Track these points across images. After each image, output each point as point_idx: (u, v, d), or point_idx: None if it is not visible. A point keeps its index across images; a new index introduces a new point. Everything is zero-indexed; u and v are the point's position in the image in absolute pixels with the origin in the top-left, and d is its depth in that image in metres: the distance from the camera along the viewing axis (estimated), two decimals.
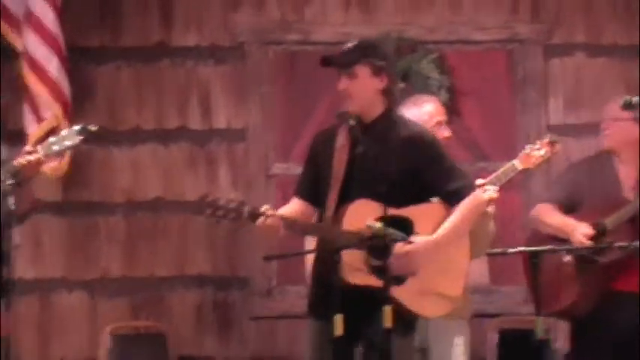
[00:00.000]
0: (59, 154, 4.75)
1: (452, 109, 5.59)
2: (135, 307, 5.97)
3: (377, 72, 4.48)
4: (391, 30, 6.03)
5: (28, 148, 4.57)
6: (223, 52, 6.07)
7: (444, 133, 4.98)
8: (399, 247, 4.30)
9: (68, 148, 4.68)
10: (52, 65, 5.54)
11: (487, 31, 6.08)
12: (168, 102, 6.07)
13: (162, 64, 6.08)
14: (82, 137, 4.69)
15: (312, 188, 4.49)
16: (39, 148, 4.60)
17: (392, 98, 4.54)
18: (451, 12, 6.13)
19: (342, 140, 4.48)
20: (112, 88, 6.06)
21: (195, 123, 6.06)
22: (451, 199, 4.47)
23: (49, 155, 4.61)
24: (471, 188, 4.50)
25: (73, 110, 5.68)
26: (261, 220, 4.26)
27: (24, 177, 4.51)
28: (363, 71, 4.46)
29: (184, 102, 6.07)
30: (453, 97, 5.84)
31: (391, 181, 4.42)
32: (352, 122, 4.45)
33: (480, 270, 5.77)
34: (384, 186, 4.41)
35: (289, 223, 4.34)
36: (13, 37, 5.59)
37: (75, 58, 5.78)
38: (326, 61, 4.57)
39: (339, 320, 4.37)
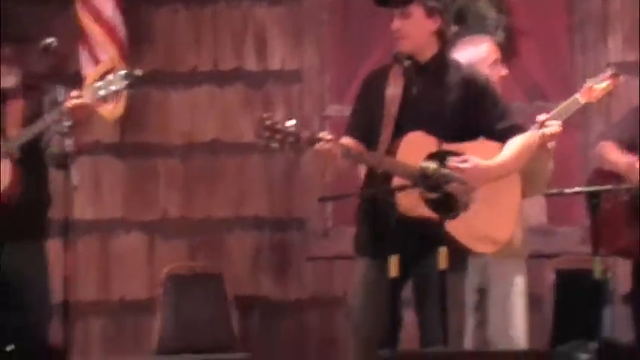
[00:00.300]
0: (106, 98, 4.76)
1: (509, 49, 5.60)
2: (192, 248, 6.02)
3: (431, 12, 4.48)
4: None
5: (74, 92, 4.60)
6: None
7: (501, 72, 5.01)
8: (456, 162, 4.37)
9: (114, 92, 4.72)
10: (108, 6, 5.59)
11: None
12: (224, 44, 6.09)
13: (218, 6, 6.09)
14: (127, 82, 4.74)
15: (363, 127, 4.50)
16: (85, 92, 4.63)
17: (445, 40, 4.54)
18: None
19: (394, 80, 4.49)
20: (169, 30, 6.09)
21: (251, 64, 6.08)
22: (502, 137, 4.49)
23: (96, 99, 4.64)
24: (521, 129, 4.53)
25: (130, 52, 5.72)
26: (319, 144, 4.25)
27: (73, 120, 4.55)
28: (417, 11, 4.47)
29: (240, 44, 6.09)
30: (510, 36, 5.84)
31: (445, 120, 4.46)
32: (407, 63, 4.45)
33: (537, 209, 5.73)
34: (437, 124, 4.43)
35: (346, 149, 4.33)
36: None
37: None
38: (380, 0, 4.56)
39: (394, 261, 4.38)
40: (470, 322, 4.91)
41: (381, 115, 4.44)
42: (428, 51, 4.47)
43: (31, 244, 4.81)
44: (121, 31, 5.65)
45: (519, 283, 4.95)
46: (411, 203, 4.35)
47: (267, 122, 4.26)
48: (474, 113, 4.51)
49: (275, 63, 6.07)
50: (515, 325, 4.93)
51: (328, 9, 6.05)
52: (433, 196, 4.37)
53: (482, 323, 4.96)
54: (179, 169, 6.05)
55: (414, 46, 4.46)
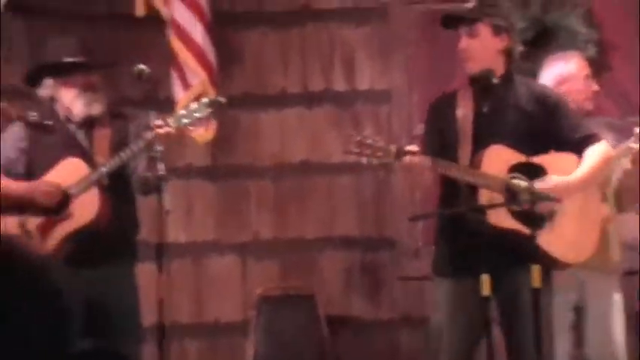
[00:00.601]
0: (195, 123, 4.84)
1: (600, 64, 5.56)
2: (284, 268, 6.05)
3: (498, 31, 4.51)
4: None
5: (158, 121, 4.65)
6: (366, 13, 6.08)
7: (592, 87, 5.00)
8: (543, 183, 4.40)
9: (198, 119, 4.81)
10: (197, 31, 5.62)
11: None
12: (313, 65, 6.14)
13: (306, 29, 6.12)
14: (211, 109, 4.79)
15: (437, 148, 4.50)
16: (169, 120, 4.68)
17: (513, 58, 4.56)
18: None
19: (463, 102, 4.55)
20: (258, 54, 6.12)
21: (339, 85, 6.10)
22: (578, 147, 4.51)
23: (181, 127, 4.71)
24: (596, 138, 4.54)
25: (220, 76, 5.77)
26: (407, 157, 4.28)
27: (154, 148, 4.61)
28: (484, 30, 4.51)
29: (328, 65, 6.12)
30: (601, 51, 5.77)
31: (520, 134, 4.50)
32: (477, 84, 4.53)
33: (631, 225, 5.66)
34: (513, 139, 4.47)
35: (434, 161, 4.35)
36: (160, 5, 5.65)
37: (221, 24, 5.83)
38: (447, 20, 4.58)
39: (486, 279, 4.37)
40: (565, 342, 4.89)
41: (456, 135, 4.47)
42: (496, 70, 4.49)
43: (121, 269, 4.84)
44: (211, 55, 5.69)
45: (617, 300, 4.92)
46: (500, 216, 4.36)
47: (357, 138, 4.29)
48: (548, 126, 4.53)
49: (363, 83, 6.08)
50: (616, 342, 4.89)
51: (415, 28, 6.03)
52: (519, 208, 4.37)
53: (579, 342, 4.93)
54: (270, 190, 6.10)
55: (482, 66, 4.48)
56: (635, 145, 4.83)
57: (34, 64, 5.03)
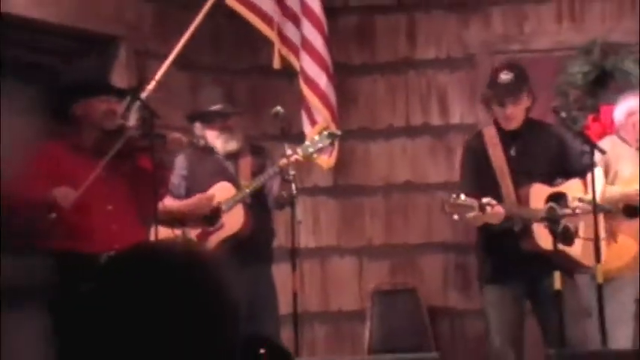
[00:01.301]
0: (319, 152, 4.95)
1: None
2: (393, 268, 6.01)
3: (530, 93, 4.73)
4: (597, 36, 5.83)
5: (288, 151, 4.74)
6: (457, 62, 6.05)
7: None
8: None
9: (320, 149, 4.92)
10: (322, 80, 5.58)
11: None
12: (414, 104, 6.09)
13: (409, 75, 6.10)
14: (330, 140, 4.90)
15: (478, 185, 4.64)
16: (299, 150, 4.77)
17: (530, 108, 4.79)
18: None
19: (492, 145, 4.71)
20: (370, 95, 6.11)
21: (435, 120, 6.06)
22: (583, 174, 4.66)
23: (307, 155, 4.82)
24: (593, 165, 4.66)
25: (340, 114, 5.74)
26: (488, 208, 4.42)
27: (287, 172, 4.73)
28: (524, 97, 4.70)
29: (426, 103, 6.08)
30: None
31: (544, 169, 4.67)
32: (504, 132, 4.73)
33: None
34: (540, 174, 4.65)
35: (505, 207, 4.52)
36: (293, 60, 5.61)
37: (340, 73, 5.84)
38: (500, 92, 4.70)
39: (557, 276, 4.44)
40: (631, 327, 4.88)
41: (492, 172, 4.62)
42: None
43: (261, 267, 4.94)
44: (333, 98, 5.65)
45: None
46: (543, 238, 4.55)
47: (450, 201, 4.41)
48: (560, 160, 4.72)
49: (455, 118, 6.02)
50: None
51: None
52: (558, 229, 4.52)
53: None
54: (380, 204, 6.06)
55: (519, 122, 4.70)
56: None
57: (189, 112, 5.13)
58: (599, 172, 4.69)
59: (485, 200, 4.44)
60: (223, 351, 1.29)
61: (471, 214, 4.42)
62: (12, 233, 4.11)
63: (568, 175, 4.76)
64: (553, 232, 4.50)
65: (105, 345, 1.26)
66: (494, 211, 4.45)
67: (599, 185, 4.61)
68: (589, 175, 4.62)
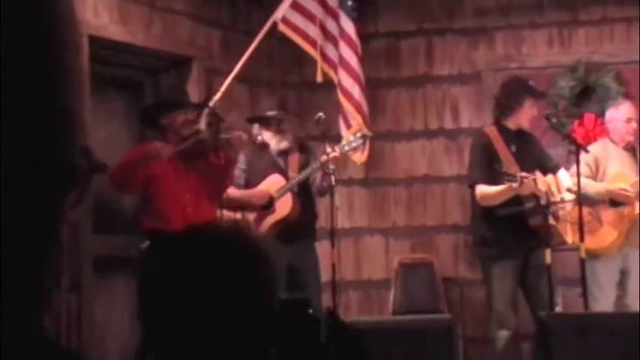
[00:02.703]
0: (352, 150, 4.94)
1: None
2: (414, 245, 5.99)
3: None
4: (582, 57, 5.82)
5: (328, 149, 4.76)
6: (467, 77, 6.01)
7: (633, 125, 4.96)
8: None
9: (354, 148, 4.91)
10: (356, 91, 5.57)
11: None
12: (431, 111, 6.05)
13: (427, 88, 6.06)
14: (362, 140, 4.90)
15: (488, 174, 4.61)
16: (337, 148, 4.77)
17: None
18: (625, 42, 5.86)
19: (497, 141, 4.68)
20: (395, 104, 6.08)
21: (449, 124, 6.03)
22: (554, 170, 4.72)
23: (344, 152, 4.82)
24: (560, 164, 4.81)
25: (370, 119, 5.73)
26: (525, 180, 4.40)
27: (334, 164, 4.74)
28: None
29: (441, 111, 6.04)
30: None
31: (534, 164, 4.68)
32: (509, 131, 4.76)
33: None
34: (533, 167, 4.64)
35: (534, 182, 4.51)
36: (332, 75, 5.61)
37: (371, 85, 5.82)
38: (537, 94, 4.80)
39: (548, 252, 4.43)
40: (613, 294, 4.86)
41: (501, 162, 4.54)
42: None
43: (306, 244, 4.96)
44: (365, 106, 5.64)
45: None
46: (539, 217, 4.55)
47: (502, 169, 4.39)
48: (541, 158, 4.74)
49: (465, 123, 5.98)
50: None
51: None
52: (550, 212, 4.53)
53: (622, 294, 4.89)
54: (403, 194, 6.02)
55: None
56: None
57: (250, 116, 5.19)
58: (564, 173, 4.76)
59: (522, 173, 4.44)
60: (266, 310, 1.29)
61: (514, 184, 4.39)
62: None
63: (545, 170, 4.79)
64: (553, 213, 4.57)
65: (169, 304, 1.27)
66: (528, 182, 4.42)
67: (567, 181, 4.67)
68: (559, 173, 4.73)
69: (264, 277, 1.30)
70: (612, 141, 5.05)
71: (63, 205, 0.79)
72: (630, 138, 5.02)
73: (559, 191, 4.72)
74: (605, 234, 4.84)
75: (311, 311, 1.41)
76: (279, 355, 1.37)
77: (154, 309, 1.28)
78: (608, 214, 4.87)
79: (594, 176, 4.91)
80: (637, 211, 4.84)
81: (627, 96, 5.64)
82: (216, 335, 1.25)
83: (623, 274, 4.87)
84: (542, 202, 4.58)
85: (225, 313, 1.26)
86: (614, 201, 4.85)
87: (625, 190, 4.81)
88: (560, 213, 4.70)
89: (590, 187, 4.74)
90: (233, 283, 1.28)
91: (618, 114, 5.03)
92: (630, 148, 5.06)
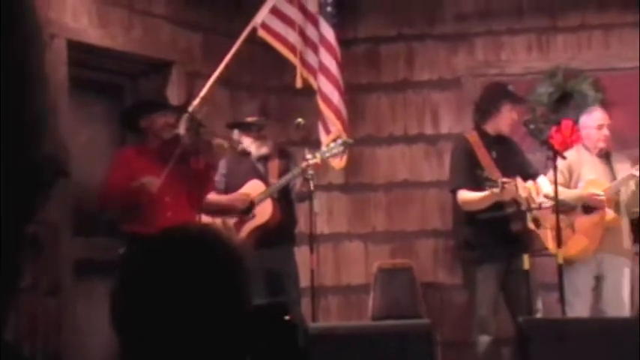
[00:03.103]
0: (333, 156, 4.93)
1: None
2: (393, 250, 5.98)
3: None
4: (560, 63, 5.85)
5: (308, 155, 4.75)
6: (447, 83, 6.02)
7: (604, 132, 5.00)
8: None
9: (335, 154, 4.89)
10: (335, 97, 5.54)
11: (629, 61, 5.77)
12: (411, 117, 6.04)
13: (407, 93, 6.06)
14: (342, 147, 4.90)
15: (469, 179, 4.61)
16: (317, 154, 4.75)
17: None
18: (603, 48, 5.92)
19: (477, 147, 4.69)
20: (375, 110, 6.08)
21: (428, 130, 6.03)
22: (534, 177, 4.75)
23: (324, 159, 4.81)
24: (539, 171, 4.83)
25: (350, 125, 5.71)
26: (507, 186, 4.41)
27: (313, 170, 4.73)
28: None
29: (421, 116, 6.04)
30: (604, 107, 5.65)
31: (514, 170, 4.66)
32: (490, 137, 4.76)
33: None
34: (517, 171, 4.64)
35: (516, 187, 4.53)
36: (312, 80, 5.55)
37: (350, 91, 5.80)
38: (517, 100, 4.84)
39: (526, 258, 4.45)
40: (589, 299, 4.89)
41: (482, 168, 4.55)
42: None
43: (286, 249, 4.96)
44: (344, 111, 5.59)
45: (626, 273, 4.90)
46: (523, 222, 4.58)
47: (484, 175, 4.40)
48: (522, 164, 4.76)
49: (445, 129, 5.98)
50: (623, 301, 4.88)
51: (479, 93, 6.05)
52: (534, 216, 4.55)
53: (597, 300, 4.91)
54: (383, 199, 6.02)
55: None
56: (638, 172, 4.85)
57: (230, 122, 5.17)
58: (543, 179, 4.79)
59: (504, 179, 4.46)
60: (238, 313, 1.28)
61: (495, 190, 4.40)
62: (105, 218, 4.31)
63: (525, 176, 4.82)
64: (534, 219, 4.61)
65: (140, 308, 1.27)
66: (510, 188, 4.44)
67: (547, 188, 4.70)
68: (539, 179, 4.77)
69: (235, 280, 1.29)
70: (586, 148, 5.09)
71: (29, 208, 0.77)
72: (602, 145, 5.05)
73: (544, 196, 4.75)
74: (577, 241, 4.87)
75: (288, 317, 1.40)
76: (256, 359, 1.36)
77: (125, 312, 1.27)
78: (580, 221, 4.90)
79: (568, 183, 4.94)
80: (609, 217, 4.89)
81: (605, 103, 5.69)
82: (187, 339, 1.24)
83: (598, 279, 4.89)
84: (523, 207, 4.60)
85: (195, 316, 1.25)
86: (587, 207, 4.90)
87: (596, 195, 4.85)
88: (541, 219, 4.74)
89: (563, 194, 4.78)
90: (203, 285, 1.27)
91: (590, 121, 5.07)
92: (604, 155, 5.09)
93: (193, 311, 1.25)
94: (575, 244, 4.82)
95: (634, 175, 4.85)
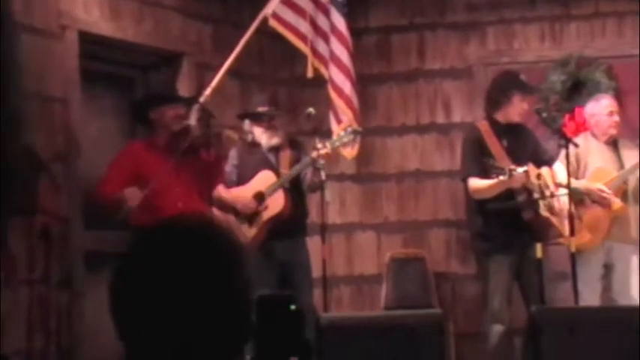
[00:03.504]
0: (343, 145, 4.93)
1: (617, 104, 5.47)
2: (405, 240, 5.99)
3: None
4: (573, 52, 5.83)
5: (319, 145, 4.75)
6: (458, 72, 6.01)
7: (615, 118, 4.98)
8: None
9: (345, 143, 4.90)
10: (346, 87, 5.53)
11: None
12: (423, 106, 6.05)
13: (419, 82, 6.07)
14: (353, 136, 4.89)
15: (480, 169, 4.60)
16: (327, 144, 4.75)
17: None
18: (617, 36, 5.89)
19: (488, 137, 4.66)
20: (387, 100, 6.08)
21: (440, 119, 6.03)
22: (549, 163, 4.73)
23: (334, 148, 4.80)
24: (555, 157, 4.78)
25: (361, 115, 5.68)
26: (514, 173, 4.39)
27: (325, 160, 4.72)
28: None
29: (433, 106, 6.03)
30: (617, 95, 5.67)
31: (527, 157, 4.64)
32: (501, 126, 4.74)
33: None
34: (526, 161, 4.59)
35: (529, 175, 4.51)
36: (323, 70, 5.54)
37: (362, 81, 5.79)
38: (529, 90, 4.78)
39: (539, 247, 4.44)
40: (598, 288, 4.88)
41: (492, 157, 4.54)
42: None
43: (298, 240, 4.95)
44: (355, 101, 5.58)
45: (635, 261, 4.88)
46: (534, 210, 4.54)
47: (490, 163, 4.38)
48: (536, 151, 4.73)
49: (457, 118, 5.97)
50: (632, 289, 4.86)
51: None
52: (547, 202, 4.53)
53: (607, 288, 4.91)
54: (395, 189, 6.02)
55: None
56: None
57: (241, 112, 5.18)
58: (559, 166, 4.76)
59: (512, 166, 4.44)
60: (237, 303, 1.29)
61: (503, 177, 4.38)
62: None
63: (540, 163, 4.80)
64: (548, 206, 4.60)
65: (138, 297, 1.28)
66: (518, 175, 4.42)
67: (562, 175, 4.68)
68: (555, 165, 4.73)
69: (233, 270, 1.30)
70: (593, 135, 5.07)
71: (4, 206, 0.79)
72: (613, 132, 5.04)
73: (555, 184, 4.73)
74: (585, 232, 4.86)
75: (293, 307, 1.40)
76: (260, 350, 1.37)
77: (123, 302, 1.28)
78: (588, 212, 4.88)
79: (576, 172, 4.92)
80: (617, 206, 4.87)
81: (618, 91, 5.69)
82: (184, 328, 1.25)
83: (607, 268, 4.89)
84: (536, 195, 4.58)
85: (192, 306, 1.25)
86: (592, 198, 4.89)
87: (602, 191, 4.83)
88: (556, 206, 4.72)
89: (572, 184, 4.76)
90: (200, 275, 1.27)
91: (599, 108, 5.06)
92: (611, 142, 5.07)
93: (190, 301, 1.25)
94: (583, 235, 4.80)
95: None
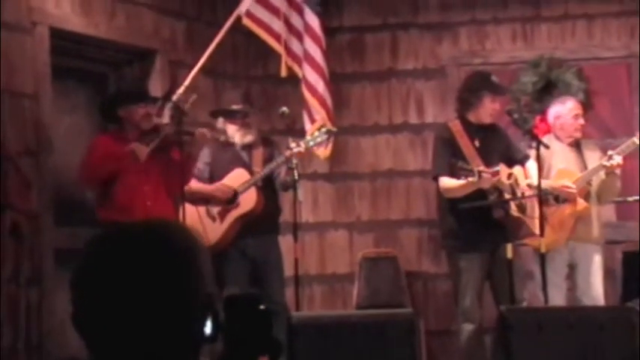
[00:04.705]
0: (317, 145, 4.93)
1: (587, 105, 5.52)
2: (377, 239, 5.99)
3: None
4: (545, 53, 5.85)
5: (292, 144, 4.74)
6: (431, 72, 6.02)
7: (580, 121, 4.99)
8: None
9: (319, 143, 4.89)
10: (320, 86, 5.51)
11: (612, 51, 5.88)
12: (396, 106, 6.04)
13: (391, 82, 6.06)
14: (327, 136, 4.89)
15: (450, 168, 4.59)
16: (301, 143, 4.75)
17: None
18: (587, 38, 5.95)
19: (460, 136, 4.68)
20: (359, 99, 6.08)
21: (413, 119, 6.03)
22: (522, 162, 4.73)
23: (308, 148, 4.80)
24: (529, 155, 4.77)
25: (335, 114, 5.68)
26: (484, 175, 4.41)
27: (297, 159, 4.73)
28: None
29: (406, 106, 6.04)
30: (588, 96, 5.72)
31: (499, 157, 4.68)
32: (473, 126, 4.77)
33: (610, 211, 5.64)
34: (497, 161, 4.63)
35: (496, 175, 4.53)
36: (296, 69, 5.51)
37: (335, 80, 5.78)
38: (500, 91, 4.79)
39: (509, 247, 4.45)
40: (563, 287, 4.91)
41: (463, 156, 4.56)
42: None
43: (270, 238, 4.94)
44: (329, 100, 5.56)
45: (598, 260, 4.93)
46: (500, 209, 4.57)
47: (457, 164, 4.38)
48: (508, 151, 4.75)
49: (429, 118, 5.98)
50: (596, 288, 4.91)
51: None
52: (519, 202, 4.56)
53: (571, 288, 4.94)
54: (367, 188, 6.02)
55: None
56: (607, 163, 4.86)
57: (214, 109, 5.15)
58: (532, 164, 4.78)
59: (480, 168, 4.46)
60: (192, 302, 1.29)
61: (472, 179, 4.39)
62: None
63: (513, 163, 4.82)
64: (519, 205, 4.64)
65: (96, 296, 1.28)
66: (487, 176, 4.44)
67: (534, 173, 4.71)
68: (528, 164, 4.76)
69: (190, 272, 1.29)
70: (557, 137, 5.11)
71: None
72: (578, 135, 5.06)
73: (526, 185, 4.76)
74: (550, 232, 4.88)
75: (262, 307, 1.39)
76: (229, 350, 1.36)
77: (81, 301, 1.29)
78: (552, 211, 4.92)
79: (540, 173, 4.95)
80: (580, 207, 4.91)
81: (588, 92, 5.72)
82: (138, 330, 1.26)
83: (572, 268, 4.91)
84: (507, 194, 4.60)
85: (146, 307, 1.26)
86: (558, 197, 4.92)
87: (567, 187, 4.87)
88: (528, 206, 4.74)
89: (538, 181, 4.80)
90: (156, 276, 1.28)
91: (565, 110, 5.08)
92: (574, 144, 5.10)
93: (145, 302, 1.26)
94: (548, 235, 4.84)
95: (604, 166, 4.87)
